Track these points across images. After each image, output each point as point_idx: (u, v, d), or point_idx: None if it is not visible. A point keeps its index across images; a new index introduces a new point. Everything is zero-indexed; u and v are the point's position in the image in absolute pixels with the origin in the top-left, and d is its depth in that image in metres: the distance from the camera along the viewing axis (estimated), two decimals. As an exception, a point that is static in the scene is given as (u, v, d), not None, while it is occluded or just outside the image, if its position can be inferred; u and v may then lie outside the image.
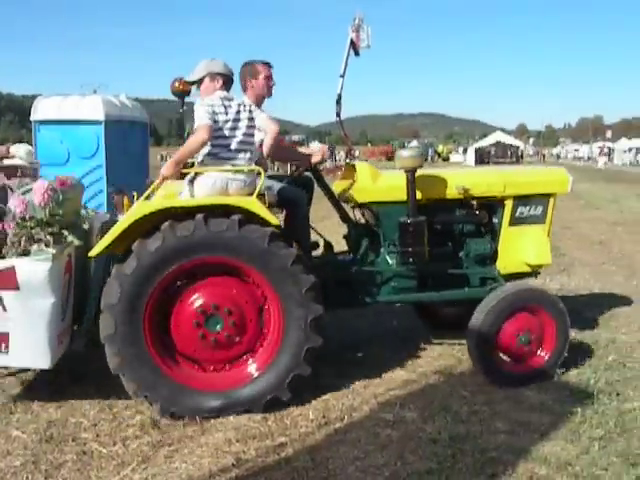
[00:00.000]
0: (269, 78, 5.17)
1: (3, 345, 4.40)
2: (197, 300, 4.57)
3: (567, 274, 8.71)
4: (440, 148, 76.37)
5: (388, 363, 5.35)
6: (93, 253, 4.57)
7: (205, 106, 4.66)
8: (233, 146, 4.77)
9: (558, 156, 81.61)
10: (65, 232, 4.65)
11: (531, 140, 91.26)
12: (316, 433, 4.20)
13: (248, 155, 4.84)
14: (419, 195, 5.15)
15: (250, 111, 4.86)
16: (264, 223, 4.49)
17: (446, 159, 70.37)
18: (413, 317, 6.52)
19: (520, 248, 5.49)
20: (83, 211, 5.32)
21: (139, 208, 4.48)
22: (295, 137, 55.30)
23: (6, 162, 5.82)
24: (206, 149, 4.74)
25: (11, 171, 5.83)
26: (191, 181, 4.76)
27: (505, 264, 5.49)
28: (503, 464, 3.75)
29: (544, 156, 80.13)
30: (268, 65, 5.20)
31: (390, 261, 5.35)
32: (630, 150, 60.93)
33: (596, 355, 5.51)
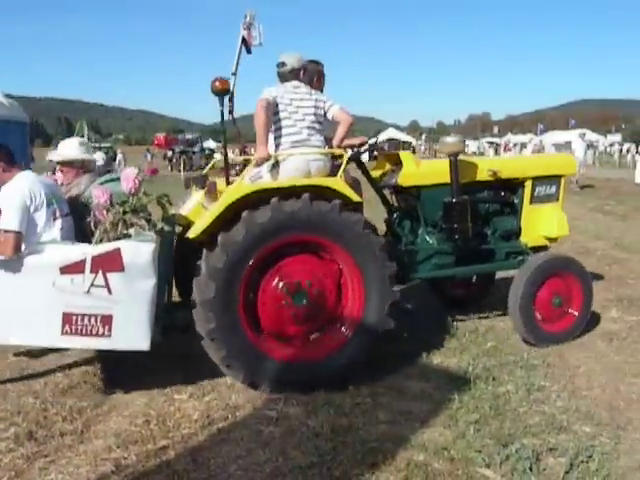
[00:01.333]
0: (324, 78, 5.79)
1: (106, 328, 4.41)
2: (283, 278, 4.80)
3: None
4: (335, 145, 77.13)
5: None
6: (192, 235, 4.67)
7: (269, 92, 5.12)
8: (305, 134, 5.10)
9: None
10: (154, 218, 4.75)
11: (423, 136, 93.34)
12: (199, 434, 4.15)
13: (319, 137, 5.20)
14: (452, 178, 5.68)
15: (316, 100, 5.20)
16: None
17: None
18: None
19: (539, 223, 6.21)
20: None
21: (236, 190, 4.65)
22: (189, 136, 54.49)
23: (61, 157, 5.50)
24: (281, 136, 5.12)
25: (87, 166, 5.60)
26: (273, 165, 5.03)
27: (527, 238, 6.18)
28: (383, 453, 3.82)
29: (435, 152, 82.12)
30: (323, 66, 5.80)
31: (430, 240, 5.90)
32: (515, 145, 63.36)
33: (475, 342, 5.73)
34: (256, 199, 4.64)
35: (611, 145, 63.12)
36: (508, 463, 3.70)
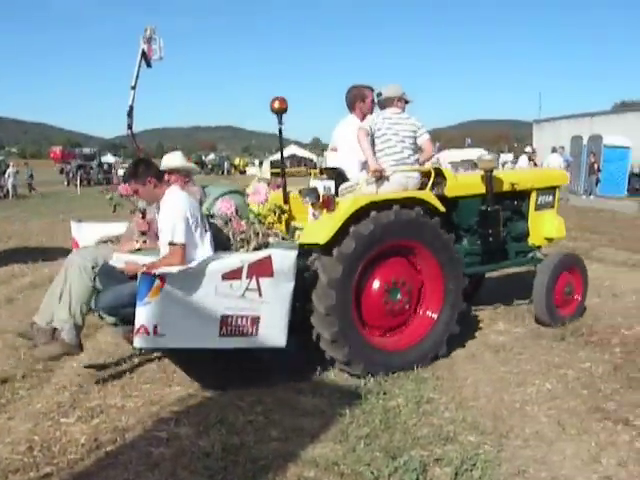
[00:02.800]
0: (372, 100, 6.47)
1: (254, 328, 4.86)
2: (381, 278, 5.59)
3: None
4: (237, 161, 76.72)
5: (164, 380, 5.26)
6: (323, 241, 5.21)
7: (368, 120, 6.13)
8: (405, 154, 6.01)
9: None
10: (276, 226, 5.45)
11: (325, 153, 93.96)
12: (86, 459, 4.01)
13: (415, 157, 6.15)
14: (487, 189, 6.59)
15: (413, 124, 6.12)
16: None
17: (243, 172, 70.88)
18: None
19: (542, 227, 7.38)
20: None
21: (355, 202, 5.37)
22: (87, 150, 53.07)
23: (168, 166, 5.70)
24: (385, 155, 5.98)
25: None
26: (377, 180, 5.87)
27: (533, 239, 7.32)
28: (274, 470, 3.82)
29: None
30: (371, 89, 6.48)
31: (463, 242, 6.67)
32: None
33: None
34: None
35: (504, 164, 65.57)
36: (396, 475, 3.77)
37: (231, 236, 5.28)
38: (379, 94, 6.31)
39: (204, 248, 5.01)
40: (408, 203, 5.57)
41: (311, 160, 71.00)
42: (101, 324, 6.84)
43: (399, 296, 5.63)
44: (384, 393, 4.98)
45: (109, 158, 59.84)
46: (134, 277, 4.60)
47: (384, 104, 6.24)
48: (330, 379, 5.35)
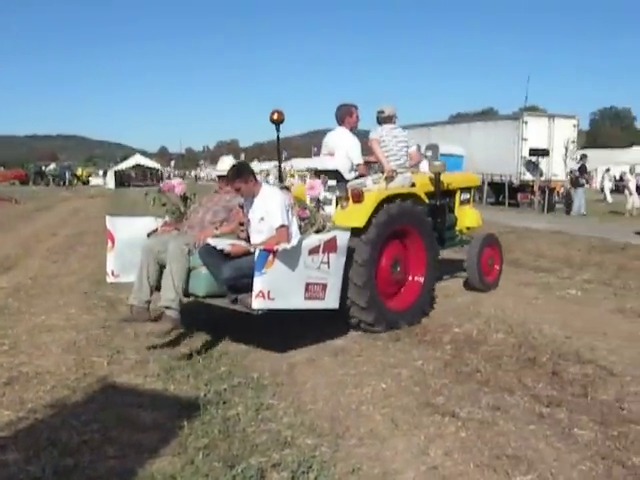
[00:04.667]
0: (357, 116, 8.01)
1: (323, 293, 6.14)
2: (387, 254, 7.26)
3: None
4: (79, 171, 73.49)
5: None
6: (361, 224, 6.73)
7: (376, 133, 8.36)
8: (402, 160, 8.27)
9: (197, 177, 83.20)
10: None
11: (172, 163, 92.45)
12: None
13: (407, 162, 8.36)
14: (433, 188, 8.59)
15: (405, 136, 8.43)
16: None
17: (86, 182, 68.19)
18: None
19: (464, 218, 9.56)
20: None
21: (378, 194, 7.03)
22: None
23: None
24: (393, 164, 8.08)
25: None
26: (386, 179, 7.43)
27: (459, 227, 9.47)
28: (109, 489, 3.72)
29: (183, 177, 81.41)
30: (355, 107, 8.02)
31: None
32: (261, 172, 65.54)
33: (209, 367, 5.79)
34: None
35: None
36: (234, 483, 3.79)
37: (296, 220, 6.56)
38: (382, 111, 8.39)
39: (294, 230, 6.40)
40: (410, 197, 7.31)
41: (157, 170, 69.58)
42: None
43: (398, 269, 7.36)
44: (224, 402, 4.98)
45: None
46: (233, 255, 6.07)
47: (383, 120, 8.39)
48: (170, 392, 5.27)
